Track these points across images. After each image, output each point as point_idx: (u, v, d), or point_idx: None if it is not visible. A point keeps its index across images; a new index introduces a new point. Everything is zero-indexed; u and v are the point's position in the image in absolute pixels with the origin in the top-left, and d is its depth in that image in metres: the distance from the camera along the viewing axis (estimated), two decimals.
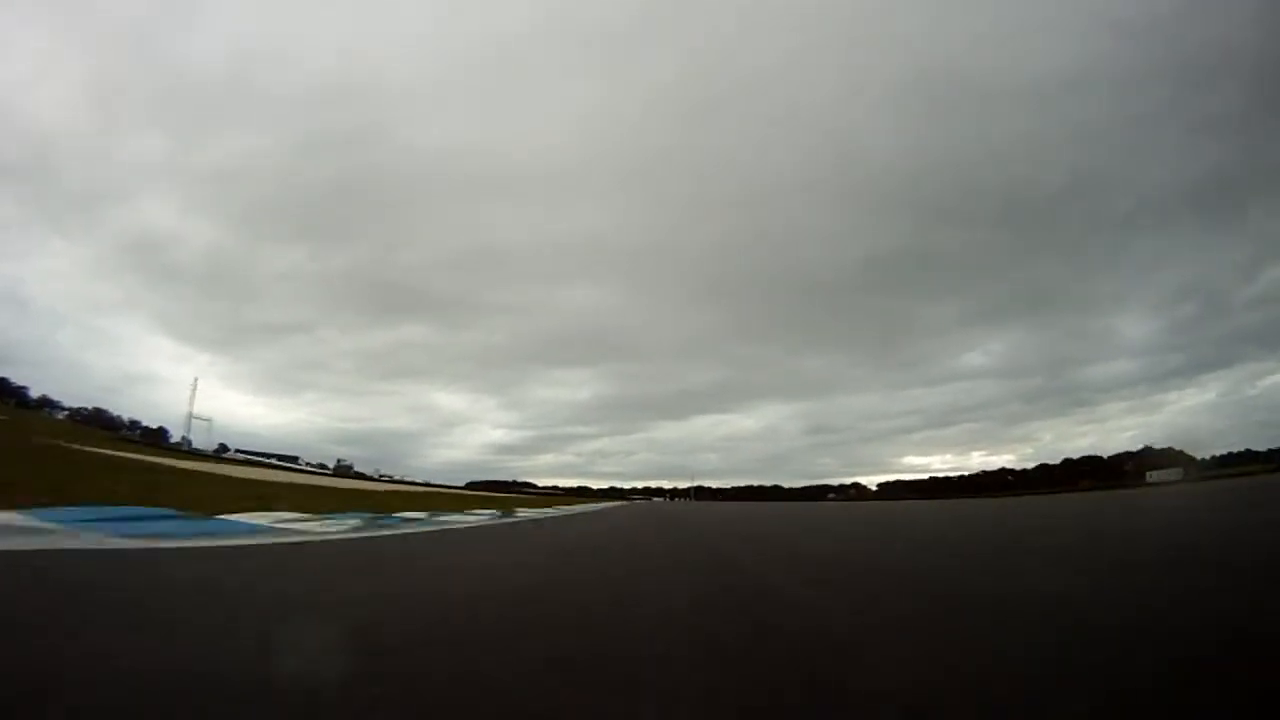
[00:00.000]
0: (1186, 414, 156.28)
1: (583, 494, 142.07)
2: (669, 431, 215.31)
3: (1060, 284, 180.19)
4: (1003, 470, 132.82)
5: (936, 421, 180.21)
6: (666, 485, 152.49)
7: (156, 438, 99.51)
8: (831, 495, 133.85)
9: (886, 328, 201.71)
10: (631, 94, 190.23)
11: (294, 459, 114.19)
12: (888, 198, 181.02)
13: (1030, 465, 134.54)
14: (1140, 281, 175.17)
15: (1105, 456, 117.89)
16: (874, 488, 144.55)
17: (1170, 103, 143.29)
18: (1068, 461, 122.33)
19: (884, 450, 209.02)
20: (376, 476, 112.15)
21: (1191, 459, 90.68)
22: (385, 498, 33.63)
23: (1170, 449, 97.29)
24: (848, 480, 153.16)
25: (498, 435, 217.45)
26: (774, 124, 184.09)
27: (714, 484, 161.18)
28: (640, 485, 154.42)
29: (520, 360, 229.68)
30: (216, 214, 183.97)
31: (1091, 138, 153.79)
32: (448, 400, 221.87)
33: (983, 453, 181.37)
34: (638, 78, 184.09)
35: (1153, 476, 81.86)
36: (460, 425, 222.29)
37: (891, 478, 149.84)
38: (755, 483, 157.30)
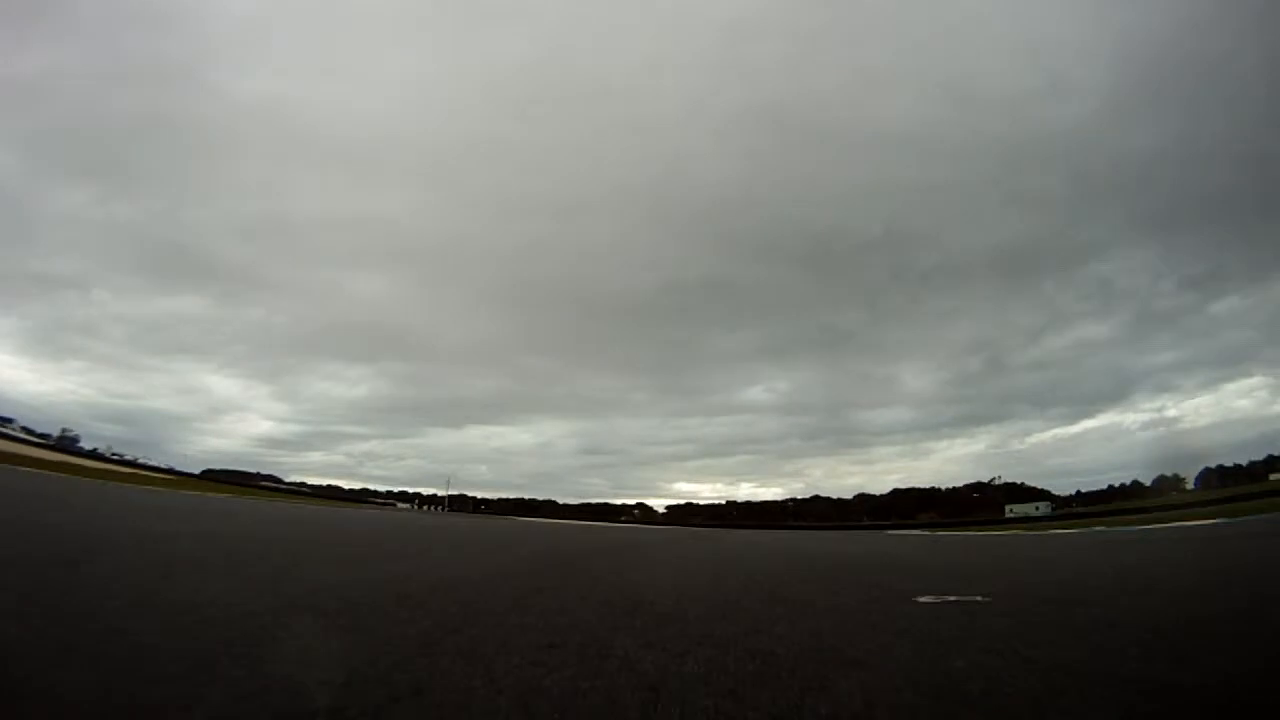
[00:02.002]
0: (953, 462, 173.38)
1: (331, 495, 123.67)
2: (442, 439, 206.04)
3: (853, 330, 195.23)
4: (816, 498, 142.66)
5: (713, 451, 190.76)
6: (427, 491, 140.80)
7: None
8: (624, 518, 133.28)
9: (675, 355, 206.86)
10: (466, 75, 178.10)
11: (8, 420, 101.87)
12: (700, 225, 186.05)
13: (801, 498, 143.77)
14: (930, 335, 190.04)
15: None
16: (662, 510, 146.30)
17: (993, 175, 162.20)
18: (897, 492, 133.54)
19: (657, 475, 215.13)
20: (109, 456, 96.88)
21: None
22: None
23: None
24: (630, 500, 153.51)
25: (266, 427, 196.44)
26: (604, 134, 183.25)
27: (480, 494, 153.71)
28: (398, 490, 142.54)
29: (299, 348, 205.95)
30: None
31: (912, 195, 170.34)
32: (220, 384, 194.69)
33: (753, 484, 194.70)
34: (476, 60, 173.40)
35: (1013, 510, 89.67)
36: (230, 413, 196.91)
37: (676, 501, 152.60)
38: (526, 496, 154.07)
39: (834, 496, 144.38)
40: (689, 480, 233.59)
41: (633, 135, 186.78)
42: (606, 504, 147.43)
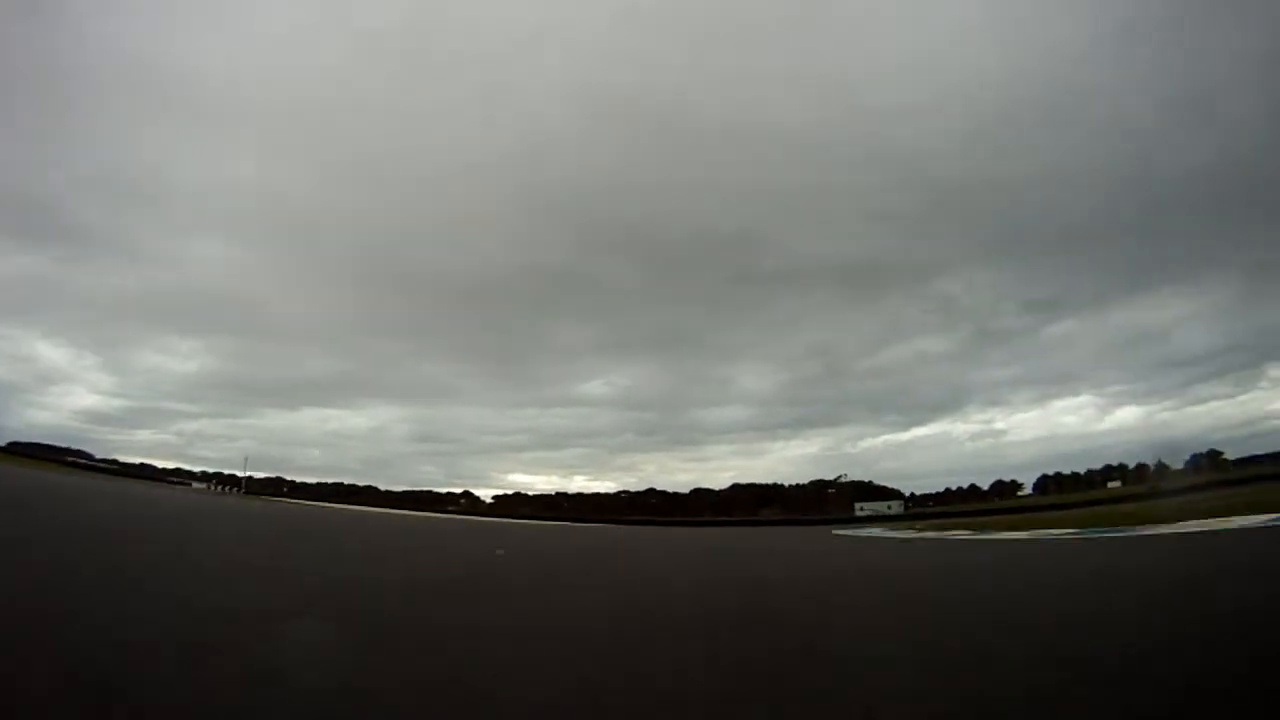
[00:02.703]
0: (787, 462, 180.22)
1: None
2: (277, 420, 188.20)
3: (697, 329, 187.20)
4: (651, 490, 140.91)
5: (549, 443, 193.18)
6: (260, 475, 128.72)
7: None
8: (452, 507, 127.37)
9: (518, 343, 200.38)
10: (344, 28, 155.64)
11: None
12: (559, 212, 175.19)
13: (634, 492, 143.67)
14: (772, 338, 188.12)
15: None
16: (489, 500, 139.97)
17: (857, 186, 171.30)
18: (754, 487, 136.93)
19: (491, 465, 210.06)
20: None
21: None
22: None
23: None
24: (457, 489, 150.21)
25: (92, 401, 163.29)
26: (471, 104, 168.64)
27: (300, 478, 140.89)
28: (229, 472, 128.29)
29: (134, 316, 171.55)
30: None
31: (774, 199, 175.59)
32: (50, 352, 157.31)
33: (586, 477, 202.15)
34: (349, 15, 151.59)
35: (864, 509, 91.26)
36: (58, 384, 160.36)
37: (504, 491, 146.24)
38: (359, 483, 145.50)
39: (669, 490, 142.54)
40: (524, 471, 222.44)
41: (502, 110, 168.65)
42: (431, 492, 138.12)
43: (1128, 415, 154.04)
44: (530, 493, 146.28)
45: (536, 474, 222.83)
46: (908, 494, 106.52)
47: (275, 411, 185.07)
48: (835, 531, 31.07)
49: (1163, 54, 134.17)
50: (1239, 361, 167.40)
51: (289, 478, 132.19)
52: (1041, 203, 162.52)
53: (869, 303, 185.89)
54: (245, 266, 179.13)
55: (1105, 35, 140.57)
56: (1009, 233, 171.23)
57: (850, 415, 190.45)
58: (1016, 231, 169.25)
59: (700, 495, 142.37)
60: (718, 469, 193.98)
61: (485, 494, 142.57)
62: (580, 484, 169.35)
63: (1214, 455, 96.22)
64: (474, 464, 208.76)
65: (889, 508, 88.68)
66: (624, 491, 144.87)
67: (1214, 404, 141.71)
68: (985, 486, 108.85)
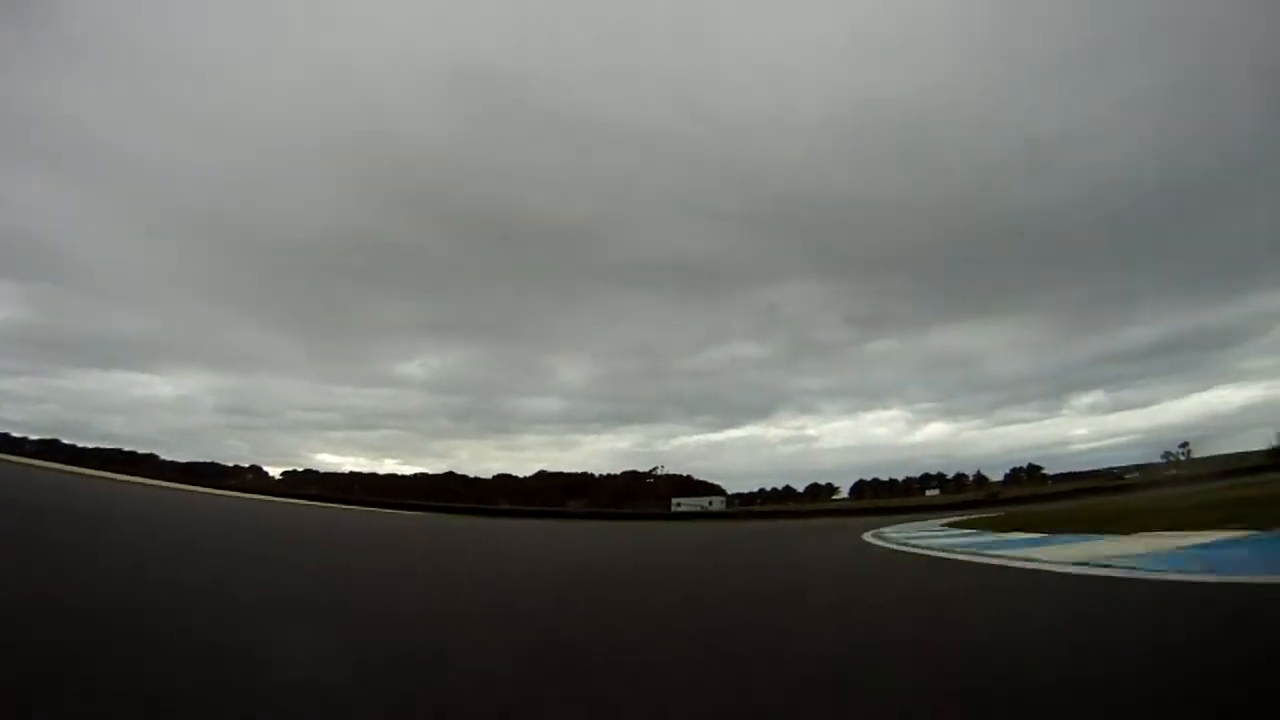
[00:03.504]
0: (599, 455, 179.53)
1: None
2: (88, 383, 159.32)
3: (522, 315, 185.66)
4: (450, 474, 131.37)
5: (360, 423, 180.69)
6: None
7: None
8: (234, 482, 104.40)
9: (337, 318, 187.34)
10: None
11: None
12: (395, 182, 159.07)
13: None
14: (596, 331, 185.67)
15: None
16: (277, 476, 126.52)
17: (700, 189, 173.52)
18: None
19: (300, 442, 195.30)
20: None
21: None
22: None
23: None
24: (247, 464, 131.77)
25: None
26: (326, 66, 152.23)
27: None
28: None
29: None
30: None
31: (613, 192, 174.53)
32: None
33: (396, 461, 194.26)
34: None
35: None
36: None
37: (293, 467, 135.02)
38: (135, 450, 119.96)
39: (472, 475, 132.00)
40: (333, 452, 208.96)
41: (340, 73, 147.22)
42: (215, 464, 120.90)
43: (936, 430, 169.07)
44: (331, 473, 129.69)
45: (345, 455, 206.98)
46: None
47: (87, 372, 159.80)
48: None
49: (1007, 104, 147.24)
50: (1043, 390, 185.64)
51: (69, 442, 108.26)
52: (875, 226, 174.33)
53: (695, 304, 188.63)
54: (76, 208, 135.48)
55: (956, 79, 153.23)
56: (839, 250, 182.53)
57: (665, 413, 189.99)
58: (847, 250, 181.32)
59: (505, 482, 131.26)
60: (530, 459, 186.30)
61: (276, 471, 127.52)
62: (390, 467, 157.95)
63: (1033, 469, 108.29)
64: (283, 441, 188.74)
65: (709, 503, 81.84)
66: (422, 474, 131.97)
67: (1018, 426, 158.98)
68: (800, 488, 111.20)
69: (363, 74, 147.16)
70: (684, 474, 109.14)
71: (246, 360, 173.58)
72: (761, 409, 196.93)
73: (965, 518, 26.90)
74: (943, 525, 20.54)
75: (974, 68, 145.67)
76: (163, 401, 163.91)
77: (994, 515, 26.84)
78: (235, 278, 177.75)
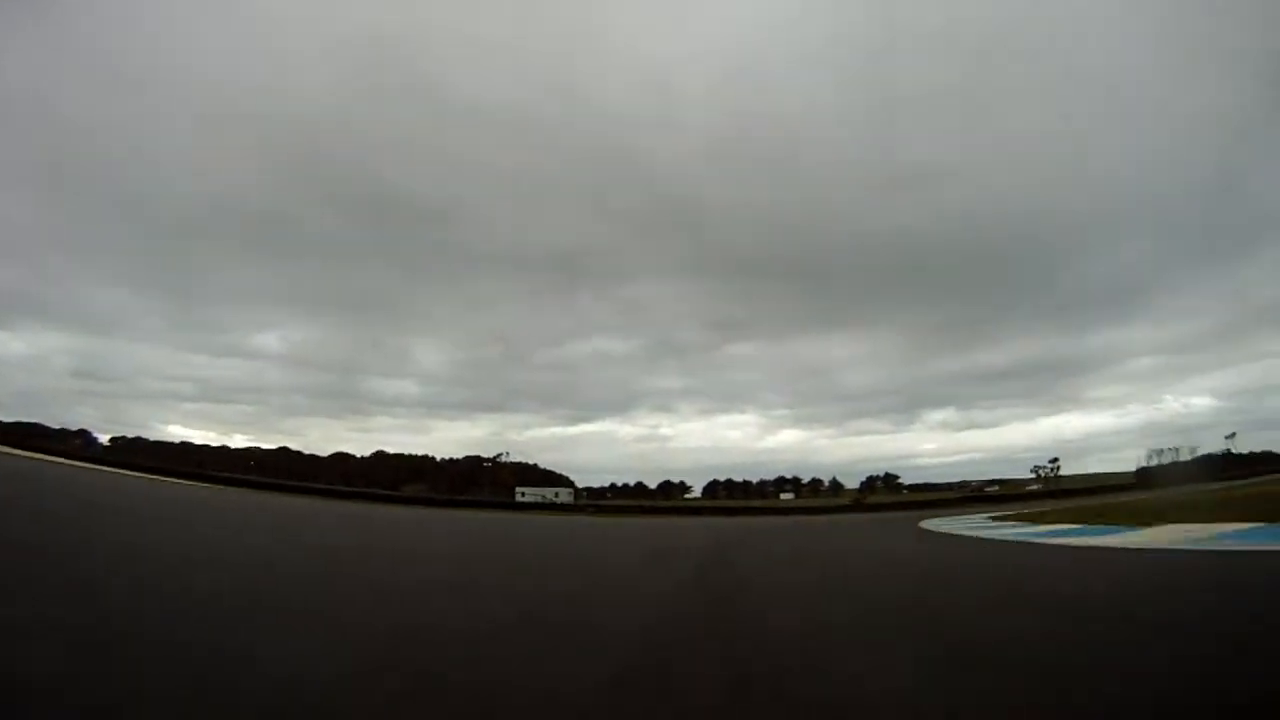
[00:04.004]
0: (450, 443, 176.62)
1: None
2: None
3: (387, 294, 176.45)
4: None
5: (214, 395, 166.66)
6: None
7: None
8: (60, 447, 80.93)
9: (197, 281, 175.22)
10: None
11: None
12: (280, 141, 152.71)
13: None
14: (460, 315, 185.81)
15: None
16: (105, 442, 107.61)
17: (578, 180, 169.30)
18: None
19: (152, 413, 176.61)
20: None
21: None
22: None
23: None
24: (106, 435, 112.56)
25: None
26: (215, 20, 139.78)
27: None
28: None
29: None
30: None
31: (491, 176, 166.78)
32: None
33: (247, 437, 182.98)
34: None
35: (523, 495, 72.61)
36: None
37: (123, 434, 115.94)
38: None
39: (308, 453, 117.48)
40: (184, 424, 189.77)
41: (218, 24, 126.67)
42: (40, 425, 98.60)
43: (789, 436, 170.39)
44: (161, 442, 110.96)
45: (196, 428, 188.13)
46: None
47: None
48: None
49: (880, 132, 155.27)
50: (896, 404, 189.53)
51: None
52: (743, 233, 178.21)
53: (559, 296, 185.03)
54: None
55: (835, 101, 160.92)
56: (706, 253, 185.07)
57: (521, 404, 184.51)
58: (714, 254, 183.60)
59: (342, 461, 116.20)
60: (382, 442, 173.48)
61: (105, 438, 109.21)
62: (241, 443, 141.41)
63: (889, 478, 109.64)
64: (136, 410, 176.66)
65: (556, 495, 72.10)
66: (254, 448, 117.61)
67: (870, 437, 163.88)
68: (653, 485, 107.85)
69: (236, 35, 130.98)
70: (531, 463, 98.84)
71: (104, 322, 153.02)
72: (618, 405, 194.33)
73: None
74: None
75: (852, 94, 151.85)
76: (13, 360, 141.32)
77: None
78: (98, 233, 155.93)
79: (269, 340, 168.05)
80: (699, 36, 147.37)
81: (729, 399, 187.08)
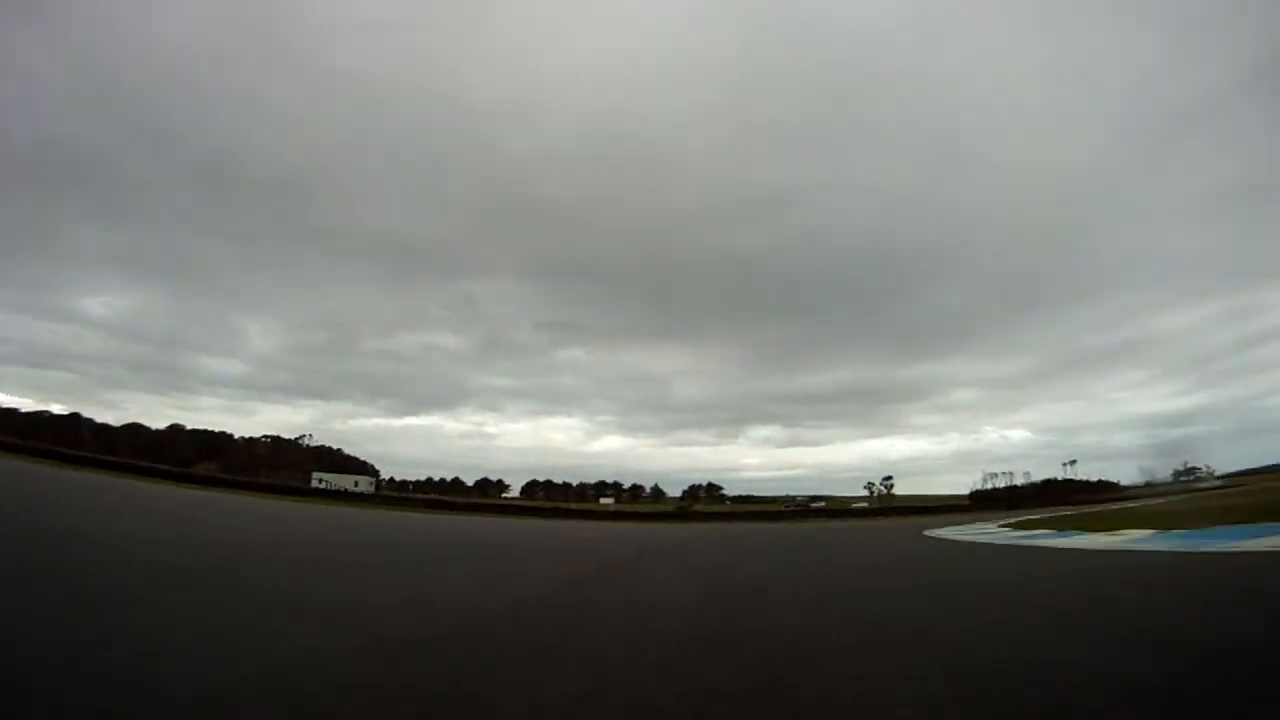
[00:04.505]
0: (271, 427, 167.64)
1: None
2: None
3: (221, 266, 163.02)
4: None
5: (33, 360, 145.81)
6: None
7: None
8: None
9: (28, 235, 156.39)
10: None
11: None
12: (101, 86, 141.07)
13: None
14: (295, 295, 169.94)
15: None
16: None
17: (428, 171, 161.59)
18: None
19: None
20: None
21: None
22: None
23: None
24: None
25: None
26: None
27: None
28: None
29: None
30: None
31: (343, 152, 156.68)
32: None
33: (62, 406, 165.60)
34: None
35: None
36: None
37: None
38: None
39: (99, 421, 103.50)
40: (5, 391, 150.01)
41: None
42: None
43: (614, 442, 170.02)
44: None
45: (12, 395, 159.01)
46: (386, 476, 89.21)
47: None
48: None
49: (739, 153, 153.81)
50: (722, 418, 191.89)
51: None
52: (587, 237, 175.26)
53: (396, 284, 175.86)
54: None
55: (698, 117, 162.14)
56: (548, 254, 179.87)
57: (348, 392, 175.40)
58: (555, 255, 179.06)
59: (134, 432, 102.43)
60: (206, 421, 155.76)
61: None
62: (59, 411, 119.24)
63: (713, 488, 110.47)
64: None
65: (355, 484, 62.40)
66: (45, 412, 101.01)
67: (695, 448, 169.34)
68: (470, 482, 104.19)
69: None
70: (335, 447, 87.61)
71: None
72: (446, 400, 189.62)
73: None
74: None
75: (712, 118, 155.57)
76: None
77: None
78: None
79: (95, 305, 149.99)
80: (574, 41, 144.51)
81: (556, 402, 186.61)
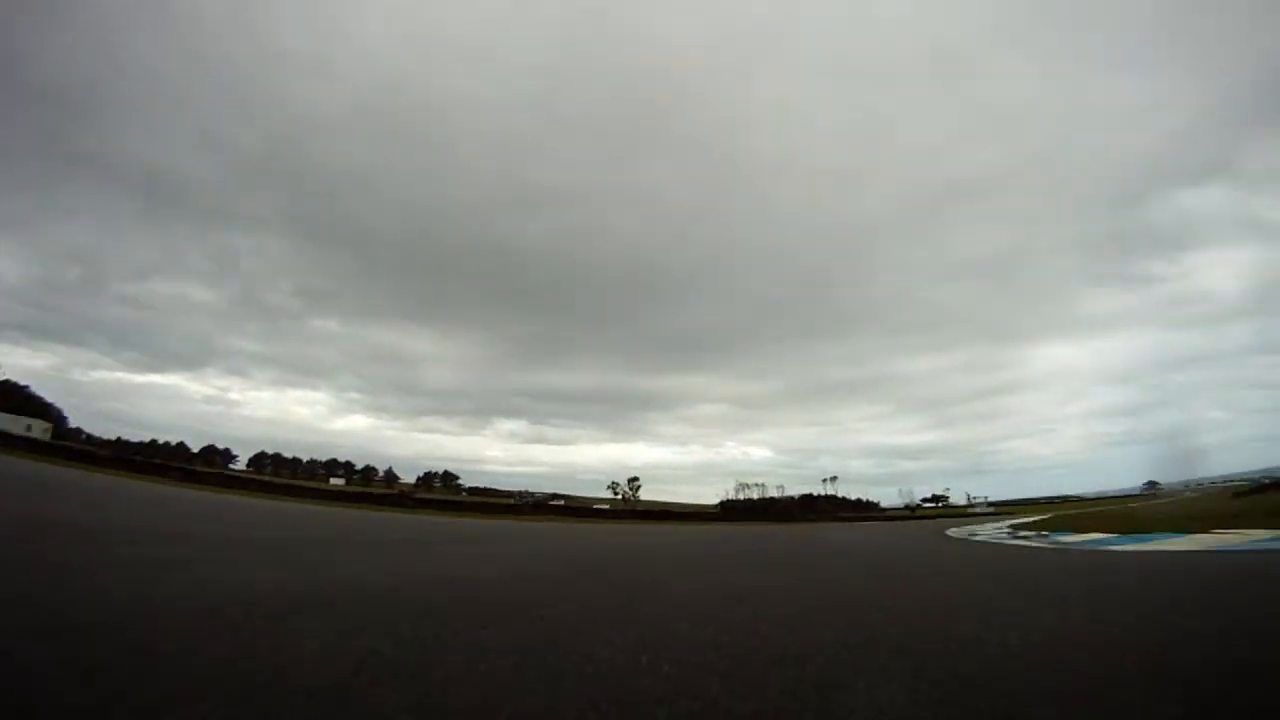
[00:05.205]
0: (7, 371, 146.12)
1: None
2: None
3: None
4: None
5: None
6: None
7: None
8: None
9: None
10: None
11: None
12: None
13: None
14: (38, 217, 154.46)
15: None
16: None
17: (205, 113, 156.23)
18: None
19: None
20: None
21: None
22: None
23: None
24: None
25: None
26: None
27: None
28: None
29: None
30: None
31: (142, 75, 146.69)
32: None
33: None
34: None
35: None
36: None
37: None
38: None
39: None
40: None
41: None
42: None
43: (358, 422, 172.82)
44: None
45: None
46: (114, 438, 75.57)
47: None
48: None
49: (529, 151, 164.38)
50: (471, 408, 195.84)
51: None
52: (365, 207, 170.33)
53: (157, 225, 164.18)
54: None
55: (494, 113, 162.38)
56: (321, 219, 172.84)
57: (92, 339, 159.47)
58: (328, 221, 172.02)
59: None
60: None
61: None
62: None
63: (449, 476, 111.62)
64: None
65: (29, 427, 53.20)
66: None
67: (440, 435, 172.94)
68: (196, 449, 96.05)
69: None
70: (23, 384, 74.03)
71: None
72: (191, 359, 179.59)
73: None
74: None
75: (504, 110, 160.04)
76: None
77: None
78: None
79: None
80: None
81: (305, 373, 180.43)
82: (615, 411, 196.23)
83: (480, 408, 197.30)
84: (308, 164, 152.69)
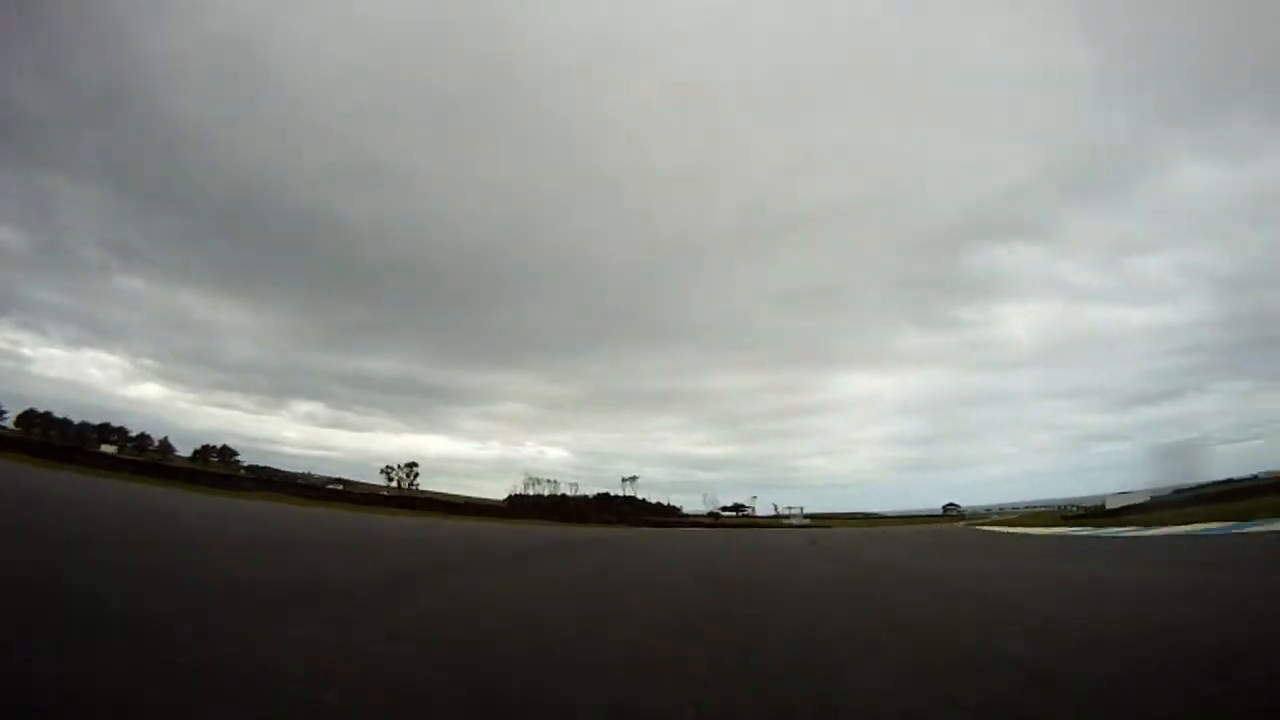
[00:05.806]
0: None
1: None
2: None
3: None
4: None
5: None
6: None
7: None
8: None
9: None
10: None
11: None
12: None
13: None
14: None
15: None
16: None
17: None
18: None
19: None
20: None
21: None
22: None
23: None
24: None
25: None
26: None
27: None
28: None
29: None
30: None
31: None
32: None
33: None
34: None
35: None
36: None
37: None
38: None
39: None
40: None
41: None
42: None
43: (152, 390, 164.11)
44: None
45: None
46: None
47: None
48: None
49: (370, 127, 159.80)
50: (268, 386, 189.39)
51: None
52: (190, 164, 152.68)
53: None
54: None
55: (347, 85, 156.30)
56: (148, 165, 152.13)
57: None
58: (156, 169, 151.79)
59: None
60: None
61: None
62: None
63: (227, 451, 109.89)
64: None
65: None
66: None
67: (234, 412, 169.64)
68: None
69: None
70: None
71: None
72: None
73: None
74: None
75: (367, 70, 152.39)
76: None
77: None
78: None
79: None
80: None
81: (102, 334, 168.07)
82: (421, 403, 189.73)
83: (279, 387, 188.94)
84: (146, 111, 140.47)
